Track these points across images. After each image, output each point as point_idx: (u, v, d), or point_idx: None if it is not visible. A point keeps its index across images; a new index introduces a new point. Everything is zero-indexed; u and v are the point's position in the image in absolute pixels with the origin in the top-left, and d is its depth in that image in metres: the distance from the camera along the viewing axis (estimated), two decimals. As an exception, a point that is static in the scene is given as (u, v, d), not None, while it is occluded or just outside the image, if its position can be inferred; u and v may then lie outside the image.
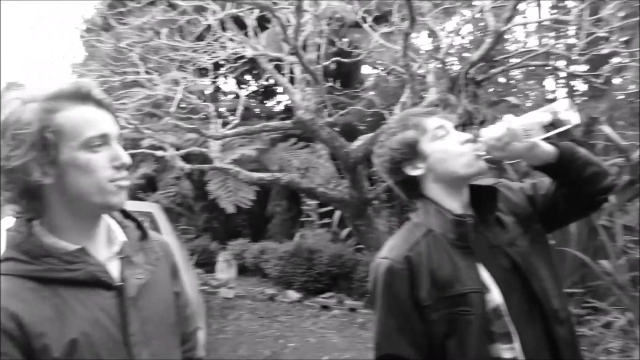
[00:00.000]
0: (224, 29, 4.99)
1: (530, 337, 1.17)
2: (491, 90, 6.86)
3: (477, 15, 4.86)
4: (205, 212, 9.74)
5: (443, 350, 1.16)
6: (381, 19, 5.20)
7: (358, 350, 4.69)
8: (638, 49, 3.99)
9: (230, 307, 6.31)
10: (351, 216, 5.76)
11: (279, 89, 11.30)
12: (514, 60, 5.01)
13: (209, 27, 4.74)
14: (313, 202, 7.95)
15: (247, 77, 9.90)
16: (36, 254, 0.92)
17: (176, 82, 4.99)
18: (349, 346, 4.82)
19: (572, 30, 5.93)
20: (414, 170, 1.28)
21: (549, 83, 8.82)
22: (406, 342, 1.18)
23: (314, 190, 5.90)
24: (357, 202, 5.50)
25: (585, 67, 5.49)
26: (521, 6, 5.91)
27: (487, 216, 1.26)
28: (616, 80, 6.33)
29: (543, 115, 1.13)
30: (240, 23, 5.32)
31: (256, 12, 4.94)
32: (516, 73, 7.79)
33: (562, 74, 7.59)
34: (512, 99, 6.59)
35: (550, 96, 8.67)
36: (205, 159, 7.43)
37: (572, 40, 6.33)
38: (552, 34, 7.27)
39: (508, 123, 1.15)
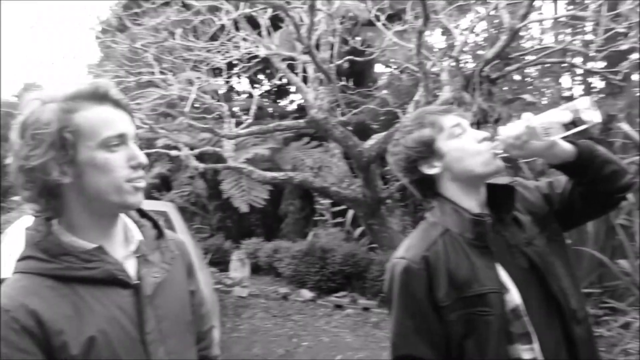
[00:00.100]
0: (237, 28, 5.01)
1: (549, 337, 1.15)
2: (506, 88, 6.79)
3: (492, 13, 4.81)
4: (219, 211, 9.79)
5: (461, 351, 1.15)
6: (394, 17, 5.17)
7: (372, 349, 4.68)
8: (657, 45, 3.92)
9: (244, 306, 6.34)
10: (364, 215, 5.75)
11: (292, 88, 11.33)
12: (529, 58, 4.95)
13: (222, 27, 4.76)
14: (326, 201, 7.95)
15: (261, 76, 9.94)
16: (55, 253, 0.94)
17: (190, 82, 5.02)
18: (362, 345, 4.81)
19: (589, 27, 5.85)
20: (430, 169, 1.26)
21: (566, 80, 8.71)
22: (423, 342, 1.16)
23: (327, 190, 5.90)
24: (370, 201, 5.49)
25: (603, 64, 5.40)
26: (537, 2, 5.84)
27: (504, 215, 1.24)
28: (635, 77, 6.22)
29: (563, 113, 1.10)
30: (253, 23, 5.34)
31: (269, 12, 4.95)
32: (532, 70, 7.70)
33: (579, 71, 7.50)
34: (528, 97, 6.52)
35: (566, 93, 8.57)
36: (219, 158, 7.47)
37: (589, 37, 6.25)
38: (569, 30, 7.17)
39: (527, 121, 1.12)
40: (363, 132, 7.51)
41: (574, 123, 1.10)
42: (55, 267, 0.92)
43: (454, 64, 4.49)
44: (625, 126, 5.04)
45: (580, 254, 4.39)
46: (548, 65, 6.36)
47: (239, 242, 8.90)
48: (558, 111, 1.12)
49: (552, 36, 7.80)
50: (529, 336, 1.15)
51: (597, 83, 8.05)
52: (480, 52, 6.71)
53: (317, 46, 4.91)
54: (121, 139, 0.96)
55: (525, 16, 3.92)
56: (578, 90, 8.26)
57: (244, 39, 4.99)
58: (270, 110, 11.36)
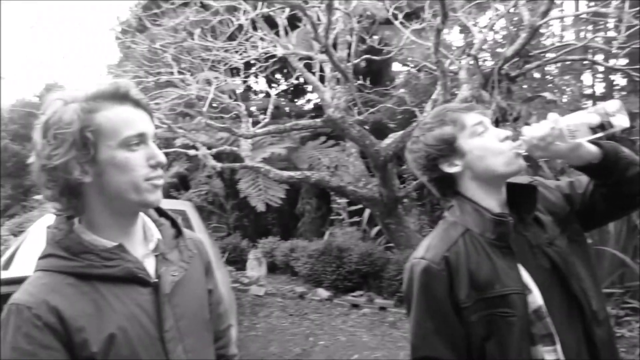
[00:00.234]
0: (255, 28, 5.03)
1: (570, 338, 1.13)
2: (525, 86, 6.70)
3: (512, 10, 4.75)
4: (236, 210, 9.85)
5: (481, 353, 1.13)
6: (412, 15, 5.14)
7: (388, 349, 4.66)
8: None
9: (261, 305, 6.36)
10: (381, 214, 5.74)
11: (309, 88, 11.33)
12: (550, 55, 4.87)
13: (240, 27, 4.79)
14: (343, 201, 7.95)
15: (278, 76, 9.96)
16: (76, 251, 0.95)
17: (208, 82, 5.06)
18: (379, 345, 4.79)
19: (611, 23, 5.74)
20: (451, 168, 1.24)
21: (587, 78, 8.56)
22: (443, 344, 1.15)
23: (343, 189, 5.90)
24: (387, 200, 5.47)
25: (625, 61, 5.30)
26: (557, -1, 5.75)
27: (525, 215, 1.22)
28: (658, 75, 6.09)
29: (591, 116, 1.07)
30: (271, 22, 5.36)
31: (287, 11, 4.96)
32: (552, 68, 7.59)
33: (601, 69, 7.37)
34: (548, 95, 6.42)
35: (587, 91, 8.42)
36: (236, 157, 7.52)
37: (611, 34, 6.13)
38: (590, 27, 7.05)
39: (553, 122, 1.09)
40: (380, 131, 7.48)
41: (602, 126, 1.07)
42: (76, 265, 0.94)
43: (472, 62, 4.45)
44: (648, 124, 4.94)
45: (601, 253, 4.32)
46: (569, 62, 6.25)
47: (256, 241, 8.94)
48: (586, 113, 1.08)
49: (573, 33, 7.67)
50: (551, 337, 1.13)
51: (619, 80, 7.89)
52: (499, 50, 6.63)
53: (335, 45, 4.91)
54: (141, 138, 0.97)
55: (545, 13, 3.87)
56: (599, 87, 8.12)
57: (262, 39, 5.02)
58: (287, 109, 11.39)
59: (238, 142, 6.64)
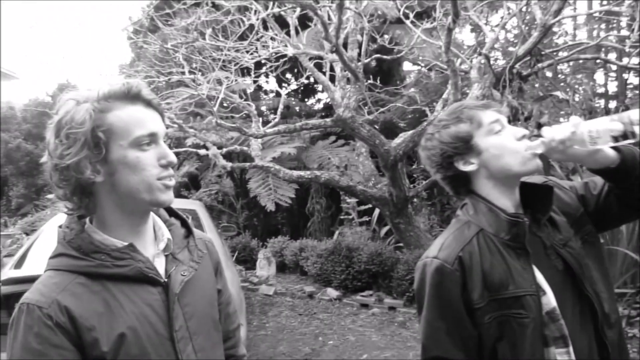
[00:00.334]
0: (266, 28, 5.04)
1: (582, 340, 1.12)
2: (537, 85, 6.64)
3: (524, 9, 4.71)
4: (246, 210, 9.88)
5: (493, 354, 1.12)
6: (423, 14, 5.13)
7: (398, 349, 4.64)
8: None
9: (270, 304, 6.38)
10: (391, 214, 5.73)
11: (319, 87, 11.34)
12: (562, 54, 4.83)
13: (251, 27, 4.80)
14: (352, 200, 7.94)
15: (288, 75, 9.98)
16: (87, 250, 0.95)
17: (219, 82, 5.08)
18: (388, 344, 4.78)
19: (624, 22, 5.68)
20: (466, 166, 1.22)
21: (599, 76, 8.48)
22: (455, 344, 1.14)
23: (353, 188, 5.89)
24: (396, 200, 5.46)
25: (638, 60, 5.23)
26: (570, -2, 5.70)
27: (540, 216, 1.20)
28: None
29: (614, 124, 1.05)
30: (282, 22, 5.36)
31: (298, 11, 4.96)
32: (564, 67, 7.52)
33: (613, 67, 7.29)
34: (560, 94, 6.36)
35: (600, 90, 8.33)
36: (246, 157, 7.55)
37: (624, 32, 6.06)
38: (603, 25, 6.98)
39: (574, 127, 1.07)
40: (390, 130, 7.47)
41: (625, 135, 1.05)
42: (87, 265, 0.94)
43: (484, 61, 4.42)
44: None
45: (613, 254, 4.28)
46: (581, 61, 6.19)
47: (266, 241, 8.97)
48: (609, 120, 1.06)
49: (585, 32, 7.60)
50: (565, 339, 1.11)
51: (632, 79, 7.80)
52: (511, 48, 6.58)
53: (345, 45, 4.90)
54: (152, 138, 0.97)
55: (558, 12, 3.83)
56: (612, 86, 8.03)
57: (272, 38, 5.03)
58: (297, 109, 11.41)
59: (248, 141, 6.66)
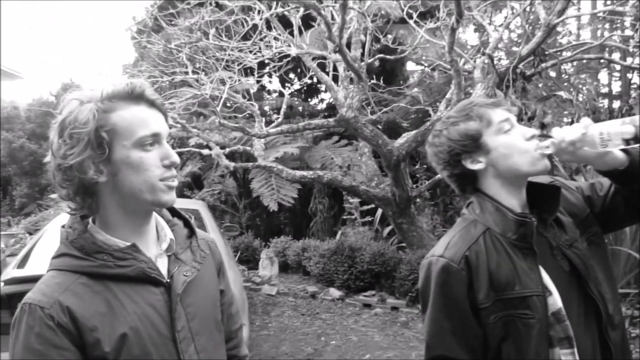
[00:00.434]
0: (269, 28, 5.04)
1: (586, 342, 1.12)
2: (541, 85, 6.63)
3: (528, 8, 4.70)
4: (249, 210, 9.89)
5: (498, 353, 1.12)
6: (427, 14, 5.12)
7: (400, 349, 4.64)
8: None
9: (273, 304, 6.38)
10: (393, 214, 5.72)
11: (323, 87, 11.33)
12: (565, 54, 4.82)
13: (255, 27, 4.80)
14: (355, 200, 7.94)
15: (291, 75, 9.99)
16: (89, 250, 0.95)
17: (222, 82, 5.08)
18: (390, 344, 4.77)
19: (628, 22, 5.66)
20: (474, 164, 1.20)
21: (603, 76, 8.45)
22: (459, 344, 1.13)
23: (356, 188, 5.89)
24: (399, 200, 5.45)
25: (643, 60, 5.21)
26: (574, -2, 5.68)
27: (547, 216, 1.20)
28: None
29: (626, 127, 1.04)
30: (285, 22, 5.36)
31: (301, 11, 4.96)
32: (568, 67, 7.50)
33: (617, 67, 7.26)
34: (563, 94, 6.34)
35: (604, 90, 8.30)
36: (249, 157, 7.55)
37: (628, 32, 6.04)
38: (607, 25, 6.96)
39: (585, 128, 1.07)
40: (393, 130, 7.46)
41: (636, 138, 1.05)
42: (90, 265, 0.94)
43: (487, 61, 4.41)
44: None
45: (616, 254, 4.26)
46: (585, 61, 6.17)
47: (268, 241, 8.97)
48: (620, 123, 1.06)
49: (589, 32, 7.58)
50: (570, 340, 1.11)
51: (636, 79, 7.77)
52: (514, 48, 6.56)
53: (348, 45, 4.89)
54: (155, 138, 0.97)
55: (562, 12, 3.82)
56: (616, 86, 8.01)
57: (276, 38, 5.03)
58: (300, 109, 11.41)
59: (251, 141, 6.67)
